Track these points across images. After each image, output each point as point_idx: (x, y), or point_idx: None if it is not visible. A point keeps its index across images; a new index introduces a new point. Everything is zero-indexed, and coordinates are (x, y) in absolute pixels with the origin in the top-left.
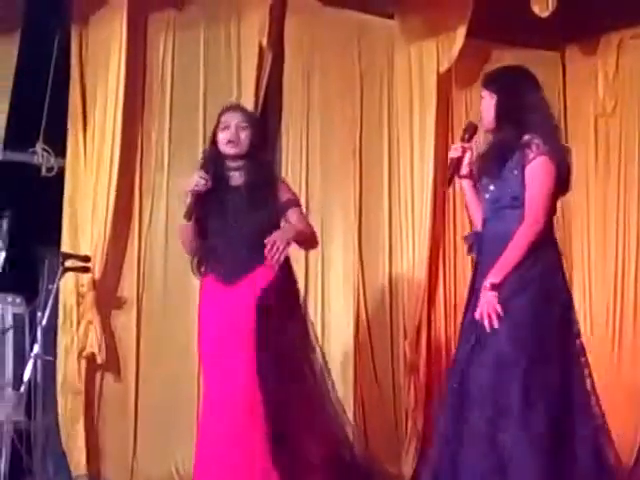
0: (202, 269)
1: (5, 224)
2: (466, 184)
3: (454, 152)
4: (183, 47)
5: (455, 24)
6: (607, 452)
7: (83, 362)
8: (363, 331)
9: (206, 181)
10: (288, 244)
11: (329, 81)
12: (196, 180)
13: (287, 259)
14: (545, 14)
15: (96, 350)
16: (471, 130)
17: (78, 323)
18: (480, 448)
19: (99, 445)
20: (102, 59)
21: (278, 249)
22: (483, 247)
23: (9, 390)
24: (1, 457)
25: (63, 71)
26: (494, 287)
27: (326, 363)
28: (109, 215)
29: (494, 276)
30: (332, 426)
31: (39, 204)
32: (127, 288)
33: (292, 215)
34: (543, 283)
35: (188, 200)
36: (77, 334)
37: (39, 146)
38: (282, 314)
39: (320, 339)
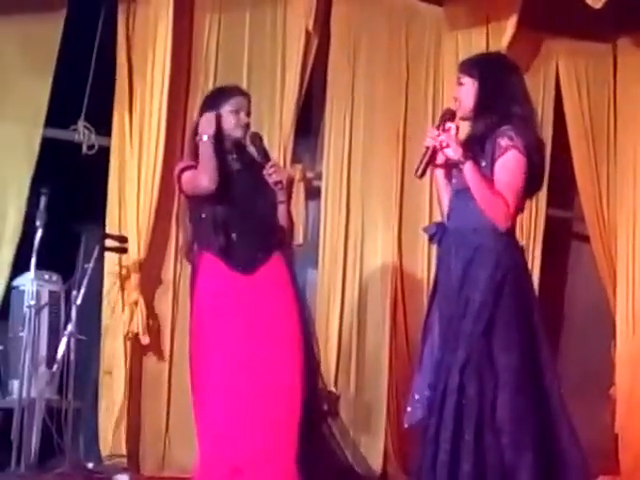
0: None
1: (43, 201)
2: (439, 173)
3: (430, 140)
4: (228, 29)
5: (506, 13)
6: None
7: (128, 343)
8: (399, 314)
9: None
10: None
11: (375, 66)
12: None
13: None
14: (598, 5)
15: (141, 331)
16: (448, 117)
17: (122, 304)
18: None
19: (135, 427)
20: (149, 39)
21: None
22: (445, 239)
23: (42, 367)
24: (32, 434)
25: (107, 49)
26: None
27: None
28: (154, 196)
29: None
30: None
31: (79, 182)
32: (167, 269)
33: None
34: (511, 288)
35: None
36: (121, 315)
37: (81, 123)
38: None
39: (356, 317)
